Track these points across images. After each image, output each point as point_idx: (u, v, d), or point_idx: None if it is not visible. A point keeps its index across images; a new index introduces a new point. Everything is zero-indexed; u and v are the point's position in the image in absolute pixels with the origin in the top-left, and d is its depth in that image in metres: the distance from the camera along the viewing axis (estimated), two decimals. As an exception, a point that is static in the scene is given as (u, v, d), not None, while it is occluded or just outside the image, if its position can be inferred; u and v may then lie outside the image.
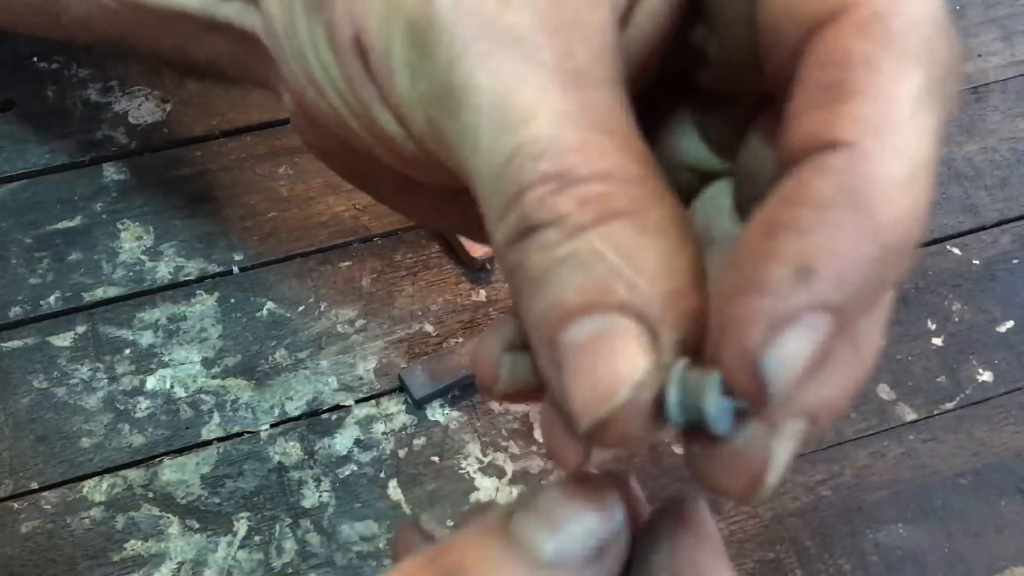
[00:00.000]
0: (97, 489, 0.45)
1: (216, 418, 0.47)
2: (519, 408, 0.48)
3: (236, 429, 0.46)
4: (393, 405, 0.47)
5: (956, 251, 0.54)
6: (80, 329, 0.48)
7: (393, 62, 0.24)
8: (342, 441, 0.46)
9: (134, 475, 0.45)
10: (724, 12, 0.24)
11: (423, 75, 0.23)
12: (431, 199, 0.31)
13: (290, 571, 0.43)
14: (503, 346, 0.24)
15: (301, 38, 0.26)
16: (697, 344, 0.21)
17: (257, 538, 0.44)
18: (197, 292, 0.50)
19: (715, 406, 0.20)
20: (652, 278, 0.20)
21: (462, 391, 0.48)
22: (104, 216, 0.51)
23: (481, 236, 0.31)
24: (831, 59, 0.20)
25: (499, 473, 0.46)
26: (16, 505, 0.44)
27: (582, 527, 0.22)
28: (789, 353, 0.19)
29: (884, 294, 0.21)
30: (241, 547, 0.44)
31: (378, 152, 0.27)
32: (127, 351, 0.48)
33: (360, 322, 0.49)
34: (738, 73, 0.25)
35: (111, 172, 0.52)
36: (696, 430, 0.21)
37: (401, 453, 0.46)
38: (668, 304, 0.20)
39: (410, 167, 0.27)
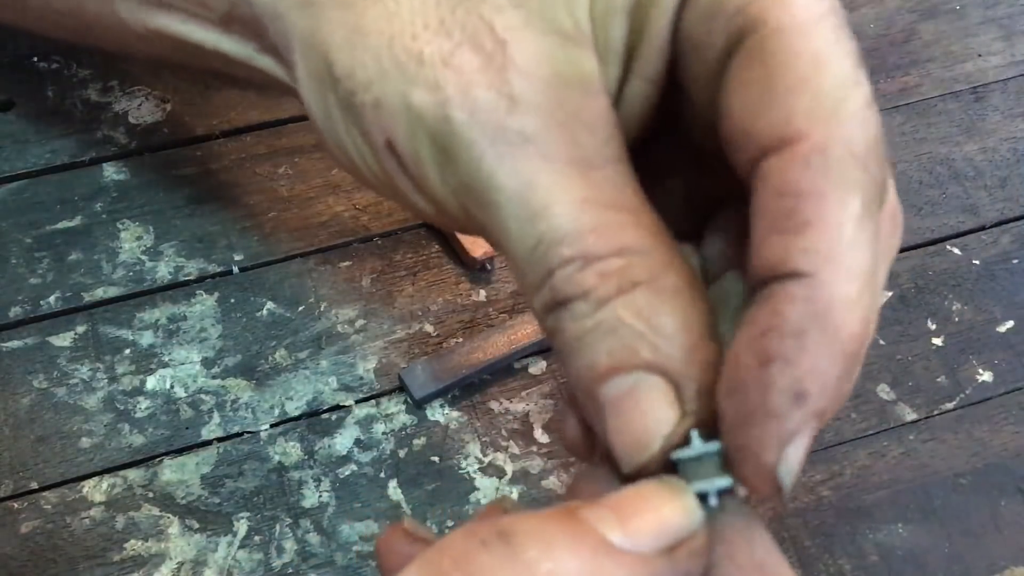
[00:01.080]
0: (97, 489, 0.45)
1: (216, 418, 0.47)
2: (519, 408, 0.48)
3: (236, 429, 0.46)
4: (393, 405, 0.47)
5: (956, 251, 0.54)
6: (80, 329, 0.48)
7: (422, 162, 0.27)
8: (342, 441, 0.46)
9: (134, 475, 0.45)
10: (691, 99, 0.28)
11: (451, 174, 0.27)
12: None
13: (290, 571, 0.43)
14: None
15: (339, 130, 0.29)
16: (711, 387, 0.24)
17: (257, 538, 0.44)
18: (197, 292, 0.50)
19: (713, 498, 0.25)
20: (670, 338, 0.24)
21: (462, 391, 0.48)
22: (104, 216, 0.51)
23: None
24: (783, 189, 0.24)
25: (499, 473, 0.46)
26: (16, 505, 0.44)
27: (655, 518, 0.23)
28: (795, 459, 0.23)
29: (850, 384, 0.25)
30: (241, 547, 0.44)
31: (418, 215, 0.31)
32: (127, 351, 0.48)
33: (360, 322, 0.49)
34: (710, 136, 0.27)
35: (111, 172, 0.52)
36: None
37: (401, 453, 0.46)
38: (686, 359, 0.24)
39: (446, 225, 0.31)
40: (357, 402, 0.47)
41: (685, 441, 0.25)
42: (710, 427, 0.25)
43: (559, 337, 0.26)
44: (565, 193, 0.25)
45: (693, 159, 0.29)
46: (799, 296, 0.23)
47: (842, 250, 0.23)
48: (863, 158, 0.24)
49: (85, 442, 0.46)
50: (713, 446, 0.24)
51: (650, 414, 0.24)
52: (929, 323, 0.51)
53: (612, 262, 0.25)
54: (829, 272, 0.23)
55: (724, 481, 0.24)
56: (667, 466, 0.25)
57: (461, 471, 0.46)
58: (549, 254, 0.25)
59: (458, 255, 0.51)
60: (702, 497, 0.24)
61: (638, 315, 0.24)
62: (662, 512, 0.23)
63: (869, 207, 0.24)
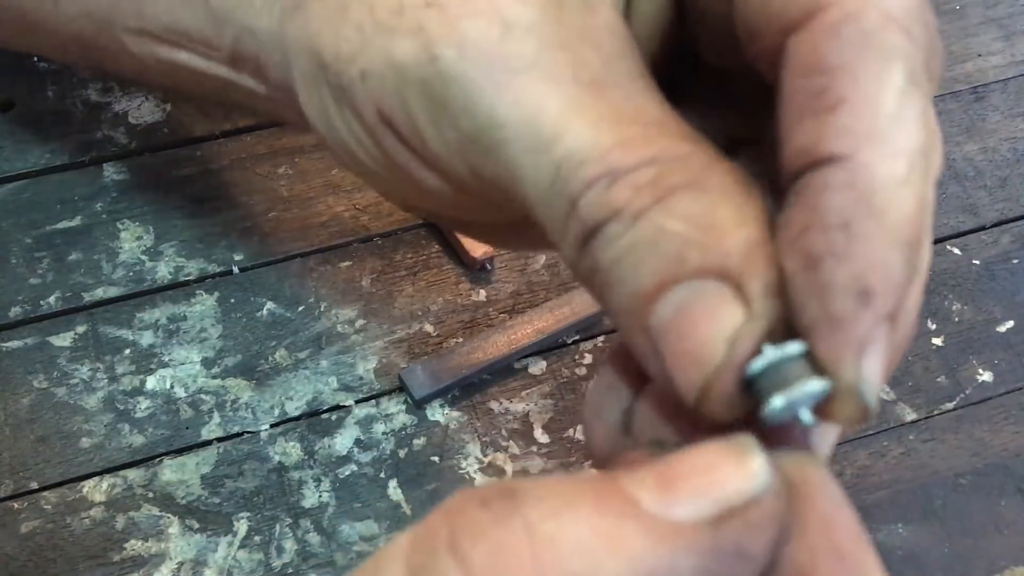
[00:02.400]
0: (97, 489, 0.45)
1: (216, 418, 0.47)
2: (519, 408, 0.48)
3: (236, 429, 0.46)
4: (393, 405, 0.47)
5: (956, 251, 0.54)
6: (80, 329, 0.48)
7: (418, 123, 0.24)
8: (342, 441, 0.46)
9: (134, 475, 0.45)
10: (705, 7, 0.25)
11: (448, 127, 0.24)
12: (512, 219, 0.31)
13: (290, 571, 0.43)
14: (620, 429, 0.24)
15: (335, 122, 0.27)
16: (780, 287, 0.21)
17: (257, 538, 0.44)
18: (197, 292, 0.50)
19: (806, 411, 0.20)
20: (724, 235, 0.20)
21: (462, 391, 0.48)
22: (104, 216, 0.51)
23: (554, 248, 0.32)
24: (811, 66, 0.21)
25: (499, 473, 0.46)
26: (16, 505, 0.44)
27: (704, 481, 0.19)
28: (874, 373, 0.20)
29: (917, 279, 0.22)
30: (241, 547, 0.44)
31: (429, 206, 0.28)
32: (127, 351, 0.48)
33: (360, 322, 0.49)
34: (728, 55, 0.25)
35: (111, 172, 0.52)
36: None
37: (401, 453, 0.46)
38: (746, 253, 0.20)
39: (463, 213, 0.28)
40: (357, 402, 0.47)
41: (757, 353, 0.20)
42: (783, 336, 0.20)
43: (596, 278, 0.22)
44: (578, 114, 0.22)
45: (713, 94, 0.27)
46: (837, 182, 0.20)
47: (884, 126, 0.20)
48: (903, 21, 0.20)
49: (85, 442, 0.46)
50: (794, 348, 0.20)
51: (711, 319, 0.20)
52: (929, 323, 0.51)
53: (644, 172, 0.21)
54: (869, 151, 0.20)
55: (817, 384, 0.20)
56: (742, 397, 0.20)
57: (461, 471, 0.46)
58: (570, 182, 0.21)
59: (458, 255, 0.51)
60: (790, 423, 0.20)
61: (682, 219, 0.20)
62: (716, 473, 0.19)
63: (915, 77, 0.20)
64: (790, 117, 0.21)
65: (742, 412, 0.21)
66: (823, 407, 0.20)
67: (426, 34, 0.23)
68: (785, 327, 0.20)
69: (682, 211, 0.20)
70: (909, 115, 0.20)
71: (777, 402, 0.20)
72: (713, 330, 0.20)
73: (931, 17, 0.22)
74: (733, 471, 0.19)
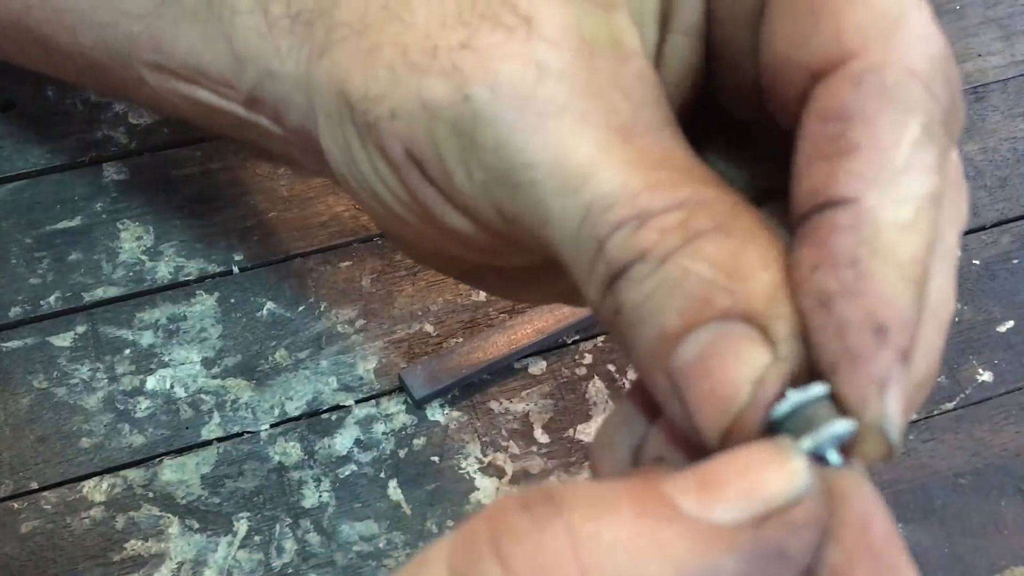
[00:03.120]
0: (97, 489, 0.45)
1: (216, 418, 0.47)
2: (519, 408, 0.48)
3: (236, 429, 0.46)
4: (393, 405, 0.47)
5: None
6: (80, 329, 0.48)
7: (447, 162, 0.25)
8: (342, 441, 0.46)
9: (134, 475, 0.45)
10: (729, 51, 0.25)
11: (477, 166, 0.24)
12: (524, 274, 0.31)
13: (290, 571, 0.43)
14: (628, 463, 0.24)
15: (359, 162, 0.27)
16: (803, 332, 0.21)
17: (257, 538, 0.44)
18: (197, 292, 0.50)
19: (833, 452, 0.20)
20: (749, 278, 0.21)
21: (462, 391, 0.48)
22: (104, 216, 0.51)
23: (576, 301, 0.31)
24: (830, 113, 0.21)
25: (499, 473, 0.46)
26: (16, 505, 0.44)
27: (744, 483, 0.19)
28: (896, 411, 0.20)
29: (933, 321, 0.22)
30: (241, 547, 0.44)
31: (452, 250, 0.28)
32: (127, 351, 0.48)
33: (360, 322, 0.49)
34: (753, 107, 0.25)
35: (111, 172, 0.52)
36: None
37: (401, 453, 0.46)
38: (772, 297, 0.21)
39: (486, 257, 0.28)
40: (357, 402, 0.47)
41: (781, 396, 0.20)
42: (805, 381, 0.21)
43: (620, 318, 0.22)
44: (609, 157, 0.22)
45: (736, 146, 0.27)
46: (844, 224, 0.20)
47: (894, 172, 0.20)
48: (925, 77, 0.21)
49: (85, 442, 0.46)
50: (818, 390, 0.20)
51: (736, 360, 0.20)
52: (929, 323, 0.51)
53: (671, 216, 0.21)
54: (877, 195, 0.20)
55: (843, 425, 0.20)
56: (764, 432, 0.21)
57: (461, 471, 0.46)
58: (599, 223, 0.22)
59: (458, 255, 0.51)
60: (819, 458, 0.20)
61: (709, 262, 0.21)
62: (756, 476, 0.19)
63: (931, 130, 0.21)
64: (804, 160, 0.21)
65: None
66: (849, 447, 0.20)
67: (460, 74, 0.24)
68: (806, 372, 0.21)
69: (708, 254, 0.21)
70: (921, 164, 0.20)
71: (805, 444, 0.20)
72: (739, 371, 0.20)
73: (955, 73, 0.22)
74: (774, 472, 0.19)
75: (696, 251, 0.21)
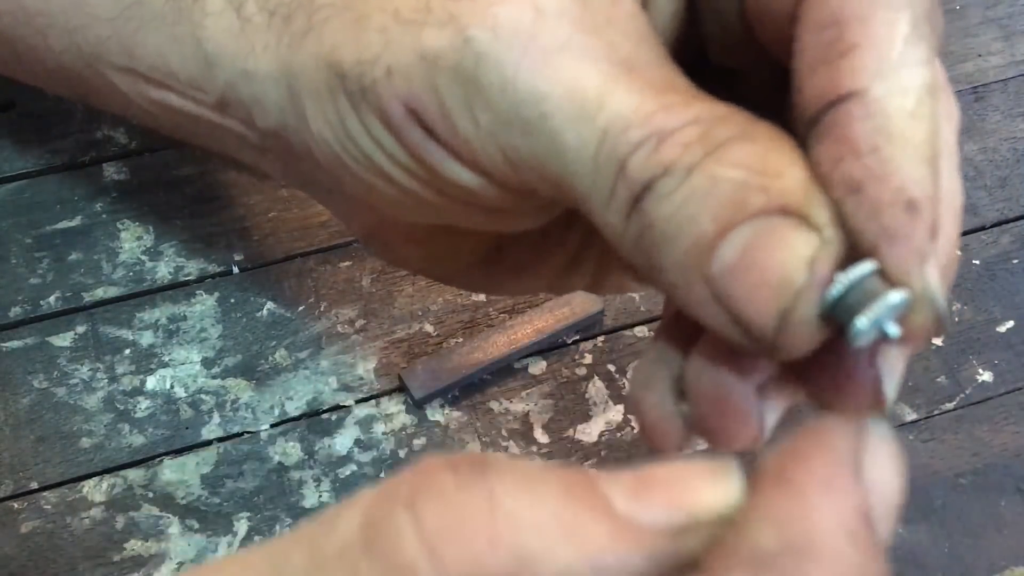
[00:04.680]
0: (97, 489, 0.45)
1: (216, 418, 0.47)
2: (519, 408, 0.48)
3: (236, 429, 0.46)
4: (393, 405, 0.47)
5: (956, 251, 0.54)
6: (80, 329, 0.48)
7: (450, 111, 0.25)
8: (342, 441, 0.46)
9: (134, 475, 0.45)
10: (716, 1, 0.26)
11: (483, 109, 0.24)
12: (513, 265, 0.32)
13: (290, 571, 0.43)
14: (671, 397, 0.24)
15: (359, 139, 0.27)
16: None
17: (257, 538, 0.44)
18: (197, 292, 0.50)
19: (892, 324, 0.21)
20: (783, 173, 0.21)
21: (462, 391, 0.48)
22: (104, 216, 0.51)
23: (568, 286, 0.32)
24: (824, 21, 0.22)
25: (499, 473, 0.46)
26: (16, 505, 0.44)
27: (679, 492, 0.19)
28: (938, 281, 0.21)
29: (953, 202, 0.24)
30: (241, 547, 0.44)
31: (460, 219, 0.28)
32: (127, 351, 0.48)
33: (360, 322, 0.49)
34: (738, 53, 0.26)
35: (111, 172, 0.52)
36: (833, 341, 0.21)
37: (401, 453, 0.46)
38: (808, 189, 0.21)
39: (494, 219, 0.28)
40: (357, 402, 0.47)
41: (830, 281, 0.21)
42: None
43: (648, 234, 0.22)
44: (618, 85, 0.23)
45: (722, 97, 0.27)
46: (858, 113, 0.21)
47: (892, 65, 0.22)
48: None
49: (85, 442, 0.46)
50: (867, 267, 0.21)
51: (786, 247, 0.21)
52: (929, 323, 0.51)
53: (690, 130, 0.22)
54: (881, 86, 0.21)
55: (897, 295, 0.20)
56: (820, 330, 0.21)
57: (461, 471, 0.46)
58: (617, 145, 0.22)
59: (458, 255, 0.51)
60: (877, 329, 0.21)
61: (738, 166, 0.21)
62: (692, 485, 0.19)
63: (919, 25, 0.22)
64: (806, 68, 0.22)
65: (818, 343, 0.21)
66: (902, 320, 0.21)
67: (457, 21, 0.24)
68: (847, 257, 0.21)
69: (736, 159, 0.21)
70: (915, 58, 0.22)
71: (864, 320, 0.20)
72: (791, 256, 0.21)
73: None
74: (709, 487, 0.19)
75: (723, 157, 0.21)
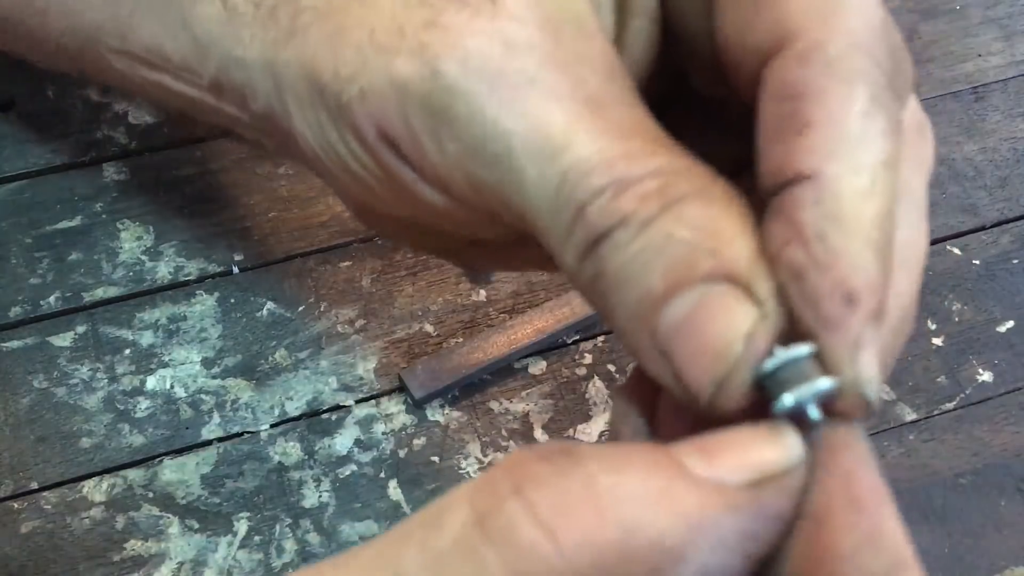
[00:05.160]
0: (97, 489, 0.45)
1: (216, 418, 0.47)
2: (519, 408, 0.48)
3: (236, 429, 0.46)
4: (393, 405, 0.48)
5: (956, 251, 0.54)
6: (80, 329, 0.48)
7: (419, 139, 0.25)
8: (342, 441, 0.46)
9: (134, 475, 0.45)
10: (687, 35, 0.26)
11: (450, 139, 0.24)
12: (502, 246, 0.32)
13: (290, 571, 0.43)
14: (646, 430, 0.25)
15: (335, 146, 0.28)
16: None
17: (257, 538, 0.44)
18: (197, 292, 0.50)
19: (814, 408, 0.22)
20: (732, 241, 0.22)
21: (462, 391, 0.48)
22: (104, 216, 0.51)
23: (548, 268, 0.32)
24: (782, 93, 0.22)
25: (499, 473, 0.46)
26: (16, 505, 0.44)
27: (744, 453, 0.21)
28: (871, 371, 0.22)
29: (907, 278, 0.24)
30: (241, 547, 0.44)
31: (434, 224, 0.29)
32: (127, 351, 0.48)
33: (360, 322, 0.49)
34: (717, 85, 0.26)
35: (111, 172, 0.52)
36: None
37: (401, 453, 0.46)
38: (754, 260, 0.22)
39: (463, 229, 0.28)
40: (357, 402, 0.47)
41: (768, 355, 0.21)
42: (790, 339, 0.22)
43: (600, 281, 0.23)
44: (583, 126, 0.23)
45: (706, 123, 0.28)
46: (807, 199, 0.21)
47: (847, 145, 0.21)
48: (867, 47, 0.22)
49: (85, 442, 0.46)
50: (804, 349, 0.21)
51: (727, 317, 0.21)
52: (929, 323, 0.51)
53: (649, 183, 0.22)
54: (834, 167, 0.21)
55: (825, 383, 0.21)
56: (753, 394, 0.22)
57: (461, 471, 0.46)
58: (577, 189, 0.22)
59: (458, 255, 0.51)
60: (800, 417, 0.22)
61: (690, 226, 0.21)
62: (753, 447, 0.21)
63: (879, 98, 0.22)
64: (764, 140, 0.22)
65: (750, 408, 0.22)
66: (830, 404, 0.22)
67: (428, 51, 0.24)
68: (787, 332, 0.22)
69: (689, 219, 0.22)
70: (873, 132, 0.22)
71: (788, 399, 0.21)
72: (730, 327, 0.21)
73: (896, 38, 0.23)
74: (769, 444, 0.21)
75: (678, 216, 0.22)
